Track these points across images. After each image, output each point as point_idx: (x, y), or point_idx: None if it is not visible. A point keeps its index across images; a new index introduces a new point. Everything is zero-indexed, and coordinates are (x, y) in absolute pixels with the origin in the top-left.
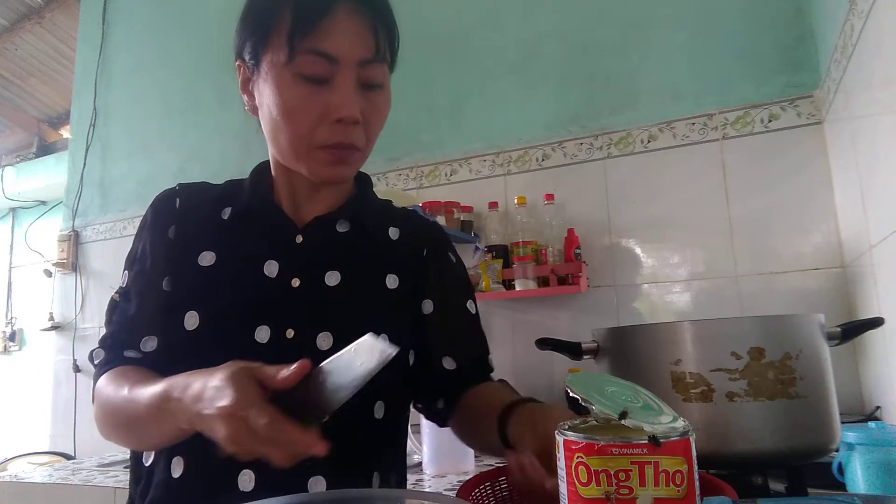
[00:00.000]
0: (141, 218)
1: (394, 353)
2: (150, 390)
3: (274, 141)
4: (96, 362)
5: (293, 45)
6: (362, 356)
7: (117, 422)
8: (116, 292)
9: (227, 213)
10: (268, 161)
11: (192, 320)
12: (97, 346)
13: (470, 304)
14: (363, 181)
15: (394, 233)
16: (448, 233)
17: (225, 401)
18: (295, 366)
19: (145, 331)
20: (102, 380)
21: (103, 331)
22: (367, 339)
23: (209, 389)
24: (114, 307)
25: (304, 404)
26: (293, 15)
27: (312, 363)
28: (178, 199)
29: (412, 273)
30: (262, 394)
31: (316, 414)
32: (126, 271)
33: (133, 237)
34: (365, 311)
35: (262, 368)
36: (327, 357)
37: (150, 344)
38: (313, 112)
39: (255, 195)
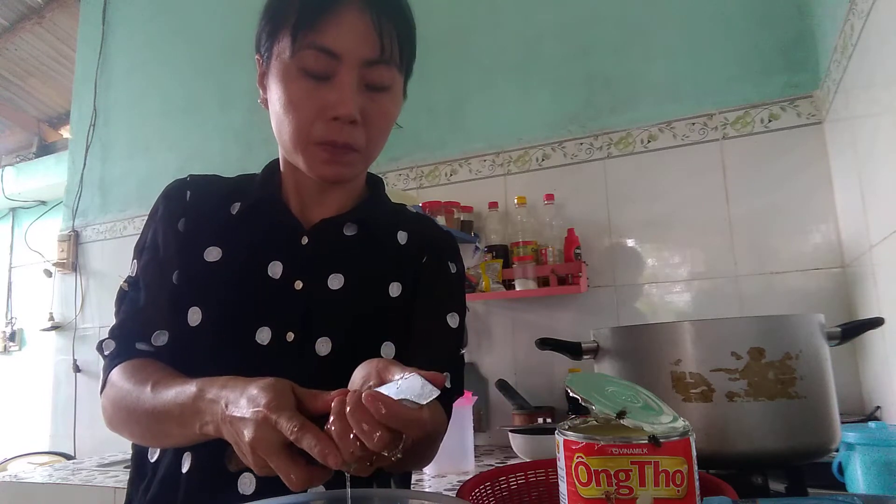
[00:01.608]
0: (141, 217)
1: (436, 395)
2: (180, 388)
3: (278, 135)
4: (106, 353)
5: (296, 39)
6: (407, 393)
7: (135, 416)
8: (125, 281)
9: (235, 209)
10: (279, 159)
11: (195, 316)
12: (107, 336)
13: (451, 318)
14: (375, 183)
15: (402, 237)
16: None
17: (260, 404)
18: (335, 392)
19: (157, 324)
20: (116, 372)
21: (104, 330)
22: (414, 377)
23: (247, 395)
24: (123, 296)
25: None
26: (299, 8)
27: (311, 369)
28: (188, 192)
29: (413, 280)
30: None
31: None
32: (134, 260)
33: (134, 235)
34: (365, 319)
35: (302, 388)
36: (324, 362)
37: (161, 338)
38: (312, 107)
39: (264, 192)
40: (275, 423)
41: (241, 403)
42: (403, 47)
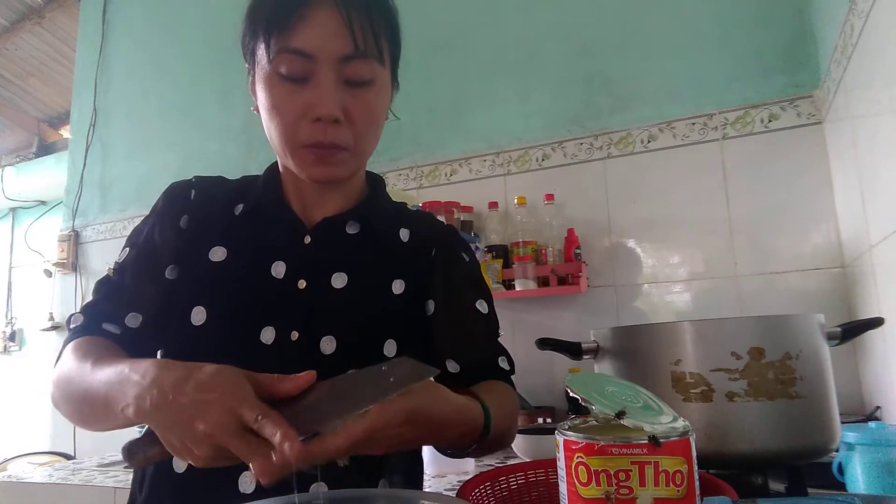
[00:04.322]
0: (141, 217)
1: (433, 375)
2: (114, 368)
3: (270, 140)
4: (72, 327)
5: (270, 44)
6: (396, 373)
7: (69, 392)
8: (111, 268)
9: (239, 210)
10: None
11: (198, 315)
12: (78, 310)
13: (480, 304)
14: (376, 182)
15: (405, 234)
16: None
17: (216, 391)
18: (303, 374)
19: (134, 306)
20: (71, 346)
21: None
22: (405, 358)
23: (194, 380)
24: (105, 280)
25: (300, 416)
26: (268, 14)
27: (316, 367)
28: (193, 191)
29: (419, 275)
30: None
31: (313, 428)
32: (126, 248)
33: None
34: (369, 317)
35: (259, 374)
36: (329, 361)
37: (134, 321)
38: (294, 111)
39: (266, 193)
40: (234, 409)
41: (189, 388)
42: (381, 38)
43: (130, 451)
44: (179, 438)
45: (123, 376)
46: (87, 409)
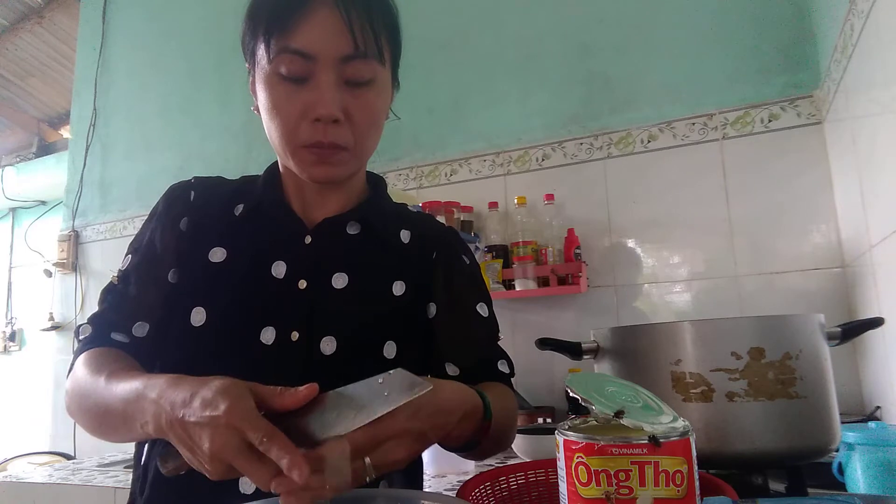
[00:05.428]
0: (141, 217)
1: (427, 391)
2: (129, 384)
3: (270, 140)
4: (81, 338)
5: (270, 45)
6: (390, 387)
7: (86, 406)
8: (115, 275)
9: (239, 210)
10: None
11: (198, 316)
12: (86, 321)
13: (481, 307)
14: (377, 183)
15: (405, 236)
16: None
17: (219, 409)
18: (303, 388)
19: (140, 315)
20: (83, 357)
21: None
22: (400, 371)
23: (200, 397)
24: (111, 289)
25: (301, 429)
26: (269, 14)
27: (316, 367)
28: (192, 192)
29: (420, 277)
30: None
31: (312, 441)
32: (129, 255)
33: (134, 235)
34: (370, 318)
35: (261, 386)
36: (329, 361)
37: (141, 329)
38: (294, 111)
39: (266, 193)
40: (239, 429)
41: (195, 406)
42: (381, 38)
43: (164, 458)
44: (192, 455)
45: (139, 394)
46: (105, 423)
